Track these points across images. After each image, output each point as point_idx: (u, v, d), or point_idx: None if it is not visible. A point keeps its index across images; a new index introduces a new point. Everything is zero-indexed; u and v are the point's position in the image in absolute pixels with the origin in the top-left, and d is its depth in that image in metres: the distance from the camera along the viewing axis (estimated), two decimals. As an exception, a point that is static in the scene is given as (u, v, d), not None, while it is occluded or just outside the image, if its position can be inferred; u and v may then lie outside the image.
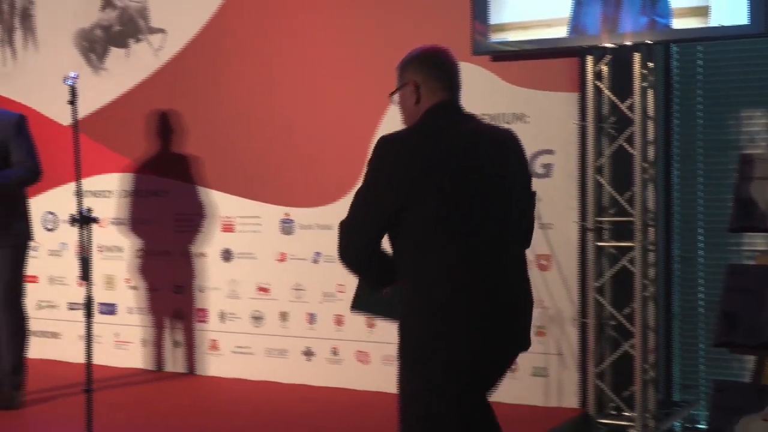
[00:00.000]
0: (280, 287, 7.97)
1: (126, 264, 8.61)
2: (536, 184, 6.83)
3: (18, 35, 9.17)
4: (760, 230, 6.24)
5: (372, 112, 7.01)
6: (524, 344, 4.08)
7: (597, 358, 6.72)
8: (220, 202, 8.18)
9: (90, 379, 5.69)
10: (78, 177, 5.86)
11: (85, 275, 5.76)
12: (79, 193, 5.84)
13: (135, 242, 8.57)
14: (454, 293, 3.82)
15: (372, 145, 3.94)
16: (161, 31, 8.47)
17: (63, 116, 8.14)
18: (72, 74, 5.94)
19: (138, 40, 8.58)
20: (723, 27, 6.18)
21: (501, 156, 4.04)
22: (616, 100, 6.67)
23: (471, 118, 4.08)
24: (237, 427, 6.81)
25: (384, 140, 3.92)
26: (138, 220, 8.57)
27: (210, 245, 8.25)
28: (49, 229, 8.94)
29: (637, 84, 6.50)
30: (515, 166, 4.12)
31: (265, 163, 7.97)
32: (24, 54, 9.13)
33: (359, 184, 3.97)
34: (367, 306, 4.30)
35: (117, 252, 8.62)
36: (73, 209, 5.82)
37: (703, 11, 6.22)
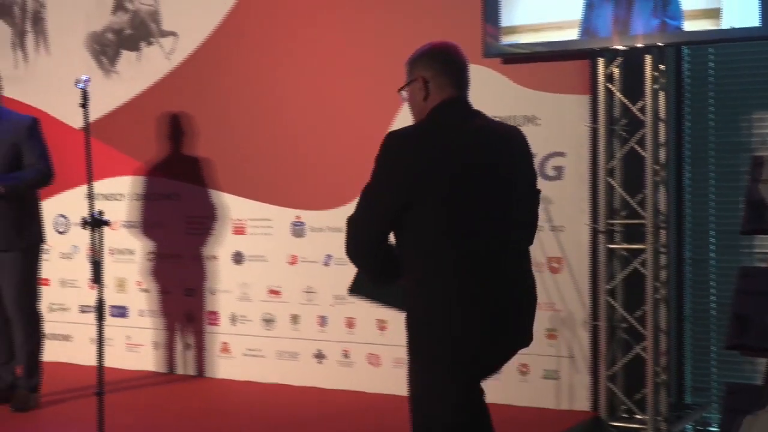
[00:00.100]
0: (291, 290, 7.97)
1: (137, 267, 8.62)
2: (547, 186, 6.88)
3: (30, 38, 9.19)
4: (772, 233, 6.22)
5: (384, 114, 7.01)
6: (526, 340, 4.13)
7: (608, 361, 6.71)
8: (232, 205, 8.18)
9: (101, 382, 5.70)
10: (89, 180, 5.87)
11: (97, 278, 5.77)
12: (90, 196, 5.84)
13: (146, 245, 8.58)
14: (459, 289, 3.86)
15: (383, 146, 3.96)
16: (172, 34, 8.48)
17: (74, 119, 8.15)
18: (83, 77, 5.95)
19: (149, 44, 8.60)
20: (734, 29, 6.17)
21: (507, 153, 4.06)
22: (628, 103, 6.66)
23: (478, 114, 4.10)
24: (248, 430, 6.82)
25: (392, 136, 3.94)
26: (149, 223, 8.58)
27: (221, 248, 8.26)
28: (61, 232, 8.95)
29: (648, 86, 6.49)
30: (521, 163, 4.15)
31: (276, 165, 7.98)
32: (36, 57, 9.15)
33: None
34: (365, 290, 4.31)
35: (128, 255, 8.63)
36: (84, 212, 5.83)
37: (714, 13, 6.21)
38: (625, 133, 6.72)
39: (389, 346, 7.38)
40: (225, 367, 8.24)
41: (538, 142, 6.96)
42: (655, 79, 6.50)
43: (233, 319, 8.22)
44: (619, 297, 6.74)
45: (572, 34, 6.62)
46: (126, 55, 8.71)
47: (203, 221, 8.31)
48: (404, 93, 4.17)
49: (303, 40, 7.89)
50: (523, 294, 4.08)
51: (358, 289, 4.30)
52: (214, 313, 8.30)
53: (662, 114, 6.58)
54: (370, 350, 7.58)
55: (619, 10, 6.44)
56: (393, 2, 7.54)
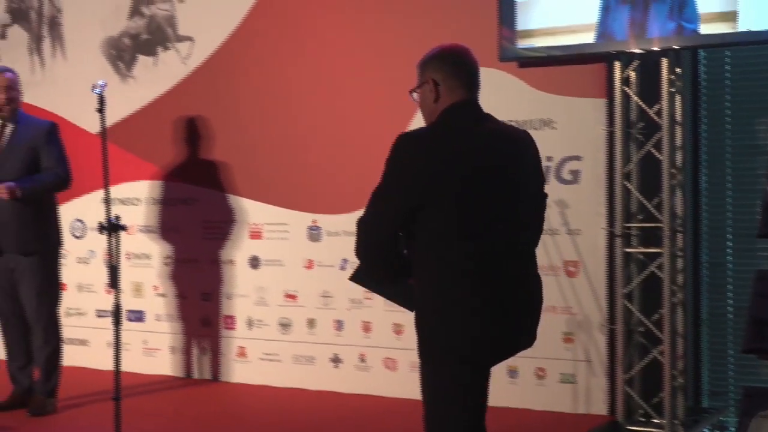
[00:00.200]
0: (307, 294, 7.98)
1: (154, 271, 8.63)
2: (564, 190, 6.88)
3: (46, 44, 9.22)
4: (789, 236, 6.20)
5: (399, 118, 7.00)
6: (530, 341, 4.16)
7: (625, 365, 6.69)
8: (248, 209, 8.19)
9: (118, 387, 5.71)
10: (106, 185, 5.88)
11: (114, 283, 5.78)
12: (107, 201, 5.86)
13: (163, 249, 8.59)
14: (468, 289, 3.88)
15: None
16: (189, 39, 8.50)
17: (91, 124, 8.18)
18: (100, 83, 5.97)
19: (166, 49, 8.61)
20: (751, 32, 6.15)
21: (517, 156, 4.08)
22: (644, 106, 6.65)
23: (488, 117, 4.11)
24: (265, 434, 6.84)
25: (402, 138, 3.95)
26: (166, 228, 8.60)
27: (238, 252, 8.26)
28: (78, 237, 8.97)
29: (665, 89, 6.47)
30: (530, 167, 4.17)
31: (292, 169, 7.98)
32: (52, 63, 9.18)
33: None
34: (366, 280, 4.32)
35: (145, 259, 8.65)
36: (101, 217, 5.85)
37: (730, 16, 6.19)
38: (642, 136, 6.71)
39: (406, 350, 7.37)
40: (241, 372, 8.25)
41: (554, 146, 6.99)
42: (671, 83, 6.48)
43: (250, 324, 8.23)
44: (635, 301, 6.72)
45: (588, 38, 6.61)
46: (142, 60, 8.74)
47: (220, 226, 8.33)
48: (415, 95, 4.18)
49: (318, 44, 7.90)
50: (529, 295, 4.11)
51: (359, 277, 4.31)
52: (230, 317, 8.31)
53: (679, 117, 6.56)
54: (387, 354, 7.58)
55: (635, 14, 6.43)
56: (408, 6, 7.54)
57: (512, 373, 7.15)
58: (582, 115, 6.96)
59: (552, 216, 6.97)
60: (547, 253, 6.99)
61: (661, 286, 6.52)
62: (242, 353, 8.26)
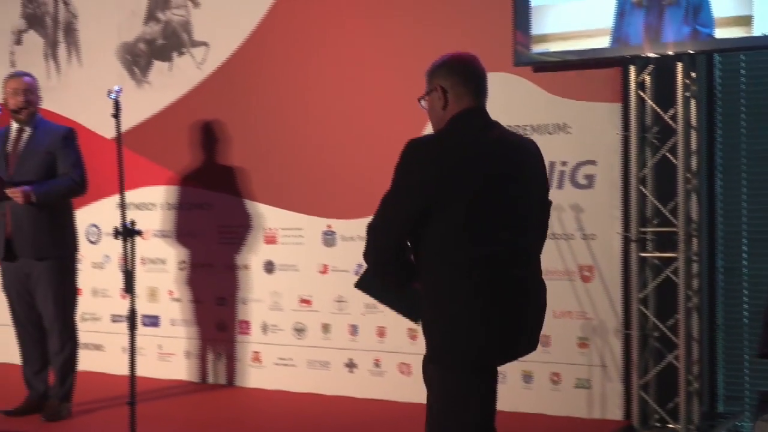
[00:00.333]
0: (322, 299, 7.98)
1: (169, 276, 8.64)
2: (579, 194, 6.88)
3: (62, 49, 9.25)
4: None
5: (414, 123, 7.00)
6: (533, 346, 4.18)
7: (641, 370, 6.68)
8: (263, 214, 8.20)
9: (133, 392, 5.72)
10: (121, 190, 5.90)
11: (129, 288, 5.79)
12: (122, 206, 5.87)
13: (178, 254, 8.61)
14: (474, 293, 3.91)
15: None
16: (204, 44, 8.51)
17: (107, 129, 8.18)
18: (115, 88, 5.99)
19: (181, 54, 8.63)
20: (766, 36, 6.13)
21: (523, 164, 4.13)
22: (659, 110, 6.64)
23: (495, 125, 4.15)
24: (280, 439, 6.84)
25: (411, 144, 4.00)
26: (181, 233, 8.61)
27: (253, 257, 8.27)
28: (93, 242, 8.99)
29: (680, 94, 6.47)
30: (535, 174, 4.22)
31: (307, 174, 7.99)
32: (68, 68, 9.20)
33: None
34: (371, 288, 4.34)
35: (160, 264, 8.66)
36: (116, 222, 5.87)
37: (746, 20, 6.18)
38: (657, 141, 6.70)
39: (420, 355, 7.29)
40: (256, 377, 8.25)
41: (569, 151, 6.99)
42: (686, 87, 6.47)
43: (264, 329, 8.23)
44: (651, 306, 6.71)
45: (603, 42, 6.61)
46: (158, 66, 8.76)
47: (235, 230, 8.34)
48: (423, 102, 4.23)
49: (334, 49, 7.91)
50: (534, 301, 4.14)
51: (364, 285, 4.33)
52: (245, 322, 8.31)
53: (694, 122, 6.56)
54: (401, 359, 7.58)
55: (650, 18, 6.42)
56: (423, 11, 7.55)
57: (527, 378, 7.14)
58: (597, 119, 6.96)
59: (567, 220, 6.97)
60: (562, 257, 6.98)
61: (677, 290, 6.51)
62: (257, 358, 8.26)
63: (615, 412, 6.91)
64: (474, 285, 3.90)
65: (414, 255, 4.06)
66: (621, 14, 6.51)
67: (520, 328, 4.01)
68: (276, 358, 8.18)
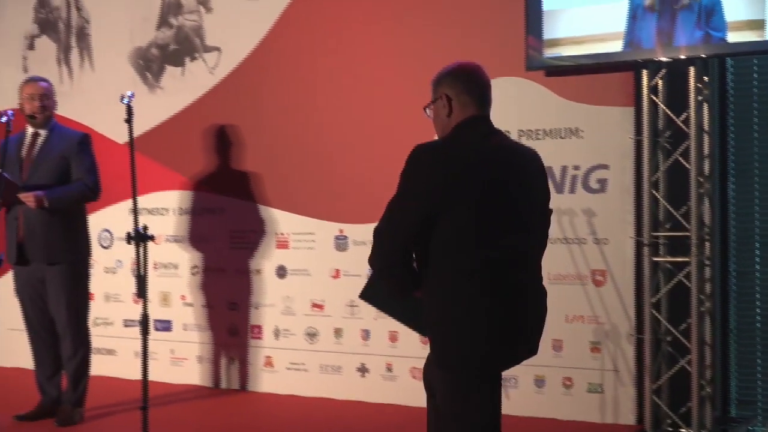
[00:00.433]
0: (334, 304, 7.98)
1: (182, 281, 8.66)
2: (591, 199, 6.87)
3: (75, 55, 9.27)
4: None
5: (425, 128, 6.98)
6: (533, 350, 4.21)
7: (653, 374, 6.68)
8: (275, 219, 8.20)
9: (146, 396, 5.72)
10: (134, 195, 5.90)
11: (141, 292, 5.79)
12: (135, 211, 5.88)
13: (190, 259, 8.62)
14: (478, 298, 3.94)
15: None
16: (216, 49, 8.53)
17: (119, 135, 8.19)
18: (128, 93, 5.99)
19: (193, 59, 8.65)
20: (779, 40, 6.14)
21: (525, 172, 4.18)
22: (672, 114, 6.64)
23: (499, 133, 4.23)
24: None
25: (417, 150, 4.07)
26: (194, 238, 8.62)
27: (265, 262, 8.28)
28: (105, 247, 9.00)
29: (692, 98, 6.46)
30: (537, 182, 4.27)
31: (319, 179, 8.00)
32: (80, 73, 9.22)
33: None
34: (375, 299, 4.36)
35: (173, 269, 8.67)
36: (128, 227, 5.86)
37: (758, 24, 6.18)
38: (669, 145, 6.70)
39: (433, 360, 7.36)
40: (268, 381, 8.25)
41: (581, 155, 6.99)
42: (699, 91, 6.47)
43: (277, 333, 8.24)
44: (663, 310, 6.70)
45: (615, 46, 6.61)
46: (170, 71, 8.77)
47: (247, 235, 8.34)
48: (429, 111, 4.32)
49: (345, 54, 7.92)
50: (535, 307, 4.17)
51: (369, 296, 4.35)
52: (257, 326, 8.32)
53: (706, 126, 6.55)
54: (414, 364, 7.57)
55: (662, 22, 6.42)
56: (435, 16, 7.55)
57: (539, 382, 7.13)
58: (609, 123, 6.95)
59: (579, 225, 6.97)
60: (574, 261, 6.98)
61: (689, 295, 6.50)
62: (269, 363, 8.27)
63: (627, 416, 6.89)
64: (478, 288, 3.93)
65: (417, 260, 4.09)
66: (633, 18, 6.51)
67: (519, 330, 4.04)
68: (288, 363, 8.18)
